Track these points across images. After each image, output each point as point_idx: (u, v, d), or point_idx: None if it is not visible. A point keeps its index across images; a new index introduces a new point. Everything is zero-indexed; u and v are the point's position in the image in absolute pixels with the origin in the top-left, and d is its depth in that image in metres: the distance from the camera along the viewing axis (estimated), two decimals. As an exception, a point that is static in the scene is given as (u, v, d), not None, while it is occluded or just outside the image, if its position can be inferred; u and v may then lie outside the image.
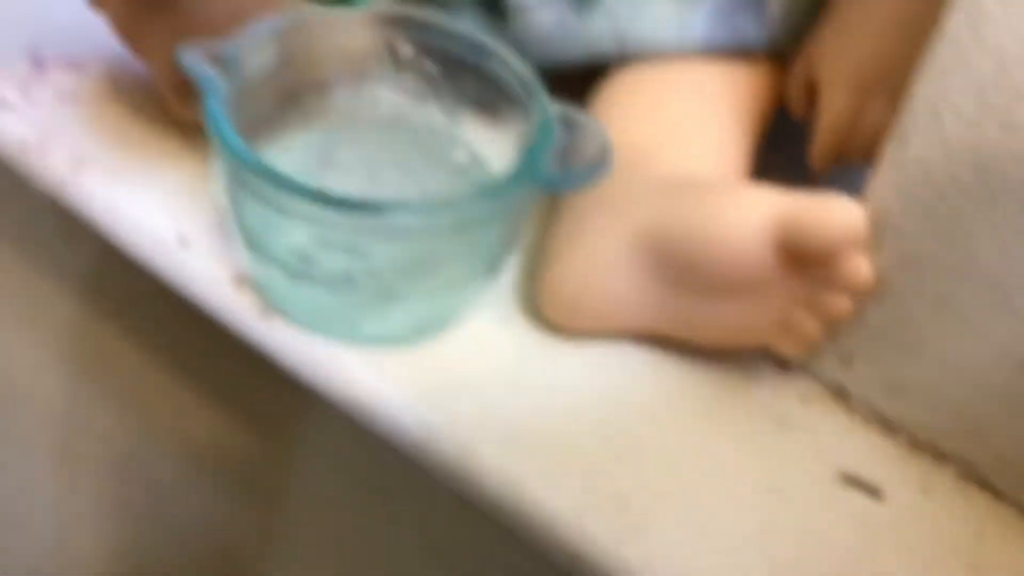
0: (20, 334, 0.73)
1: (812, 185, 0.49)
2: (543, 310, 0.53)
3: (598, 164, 0.48)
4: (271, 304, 0.52)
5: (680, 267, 0.49)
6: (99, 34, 0.60)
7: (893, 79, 0.52)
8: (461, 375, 0.51)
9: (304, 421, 0.63)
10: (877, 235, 0.47)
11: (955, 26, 0.43)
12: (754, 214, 0.47)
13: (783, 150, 0.58)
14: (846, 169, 0.57)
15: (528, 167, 0.48)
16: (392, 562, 0.64)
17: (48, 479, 0.78)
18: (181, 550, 0.76)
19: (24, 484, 0.80)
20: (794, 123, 0.59)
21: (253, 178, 0.46)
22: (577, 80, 0.56)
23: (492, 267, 0.51)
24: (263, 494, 0.69)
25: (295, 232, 0.47)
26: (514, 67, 0.52)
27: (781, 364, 0.53)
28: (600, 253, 0.51)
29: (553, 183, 0.49)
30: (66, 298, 0.68)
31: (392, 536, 0.63)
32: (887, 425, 0.51)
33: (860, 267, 0.47)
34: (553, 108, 0.50)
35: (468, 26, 0.54)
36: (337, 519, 0.66)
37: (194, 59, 0.49)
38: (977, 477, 0.50)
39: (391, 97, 0.55)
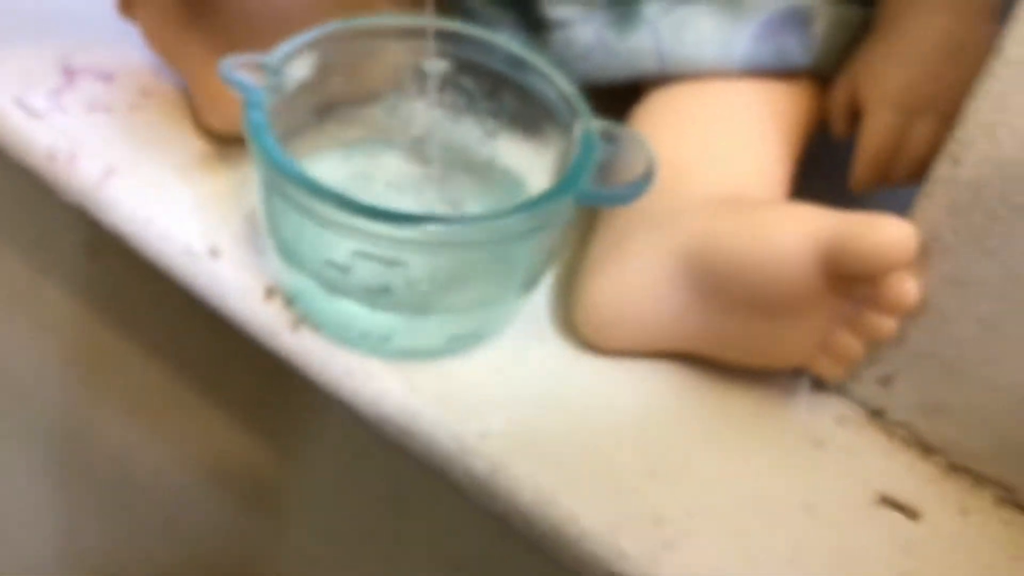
0: (26, 336, 0.72)
1: (849, 206, 0.48)
2: (579, 328, 0.52)
3: (642, 181, 0.48)
4: (303, 317, 0.51)
5: (723, 285, 0.48)
6: (130, 43, 0.60)
7: (940, 101, 0.52)
8: (494, 391, 0.51)
9: (318, 432, 0.63)
10: (924, 255, 0.47)
11: (1016, 47, 0.43)
12: (801, 232, 0.47)
13: (819, 170, 0.58)
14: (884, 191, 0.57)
15: (569, 182, 0.47)
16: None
17: (49, 482, 0.77)
18: (185, 558, 0.75)
19: (24, 487, 0.79)
20: (830, 143, 0.59)
21: (294, 190, 0.46)
22: (616, 99, 0.56)
23: (529, 283, 0.51)
24: (272, 505, 0.68)
25: (333, 244, 0.47)
26: (556, 82, 0.51)
27: (817, 385, 0.52)
28: (640, 271, 0.50)
29: (595, 199, 0.48)
30: (72, 301, 0.68)
31: (409, 551, 0.62)
32: (925, 447, 0.51)
33: (907, 287, 0.46)
34: (595, 123, 0.50)
35: (507, 40, 0.54)
36: (349, 532, 0.65)
37: (235, 69, 0.49)
38: (1016, 501, 0.50)
39: (427, 111, 0.55)
